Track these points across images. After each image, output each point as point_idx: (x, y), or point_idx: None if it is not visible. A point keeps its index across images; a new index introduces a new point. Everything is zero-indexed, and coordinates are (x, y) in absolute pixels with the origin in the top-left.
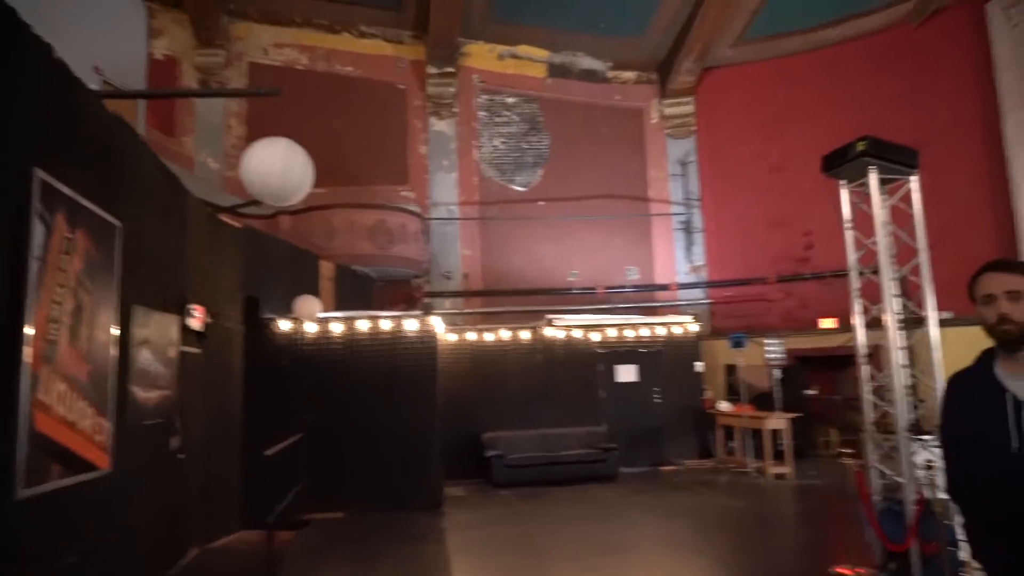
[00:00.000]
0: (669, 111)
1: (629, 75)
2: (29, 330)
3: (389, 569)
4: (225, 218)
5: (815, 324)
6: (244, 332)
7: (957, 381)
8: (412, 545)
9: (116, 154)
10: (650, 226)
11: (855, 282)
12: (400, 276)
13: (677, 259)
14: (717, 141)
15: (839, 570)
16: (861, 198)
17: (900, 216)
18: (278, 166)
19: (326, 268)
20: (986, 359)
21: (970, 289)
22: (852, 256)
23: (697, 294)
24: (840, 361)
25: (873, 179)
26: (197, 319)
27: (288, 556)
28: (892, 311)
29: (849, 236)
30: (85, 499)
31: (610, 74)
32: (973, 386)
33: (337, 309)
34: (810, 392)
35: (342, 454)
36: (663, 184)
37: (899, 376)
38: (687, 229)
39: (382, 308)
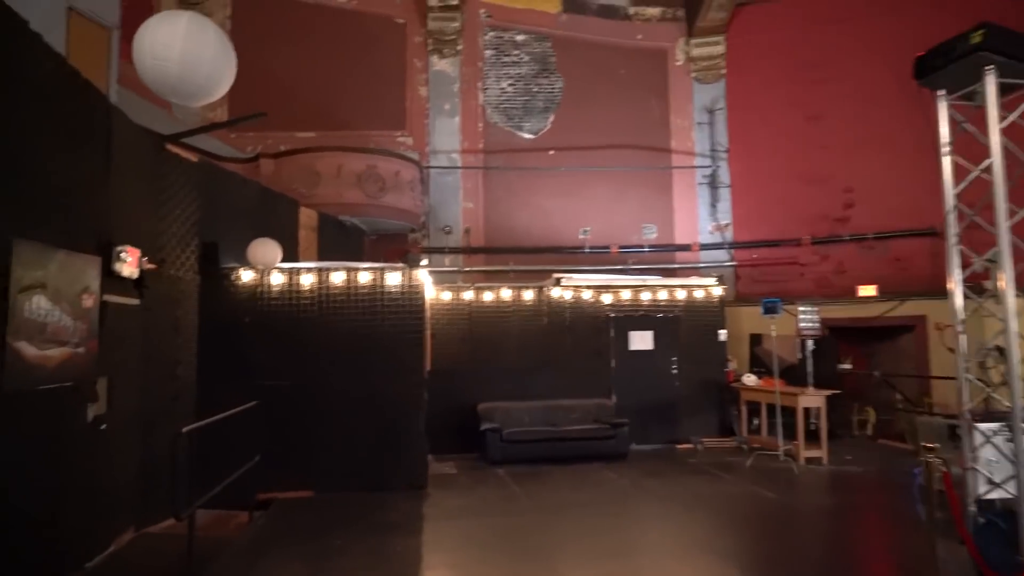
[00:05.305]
0: (696, 52)
1: (653, 11)
2: None
3: (343, 571)
4: (184, 153)
5: (852, 292)
6: (199, 283)
7: None
8: (381, 537)
9: None
10: (671, 180)
11: (953, 226)
12: (394, 229)
13: (700, 217)
14: (749, 87)
15: None
16: (966, 114)
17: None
18: (176, 49)
19: (307, 216)
20: None
21: None
22: (950, 191)
23: (721, 255)
24: (878, 333)
25: (991, 83)
26: (130, 263)
27: (229, 546)
28: (1009, 265)
29: (947, 164)
30: None
31: (631, 10)
32: None
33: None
34: (844, 367)
35: (312, 424)
36: (687, 134)
37: (1014, 349)
38: (712, 184)
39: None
